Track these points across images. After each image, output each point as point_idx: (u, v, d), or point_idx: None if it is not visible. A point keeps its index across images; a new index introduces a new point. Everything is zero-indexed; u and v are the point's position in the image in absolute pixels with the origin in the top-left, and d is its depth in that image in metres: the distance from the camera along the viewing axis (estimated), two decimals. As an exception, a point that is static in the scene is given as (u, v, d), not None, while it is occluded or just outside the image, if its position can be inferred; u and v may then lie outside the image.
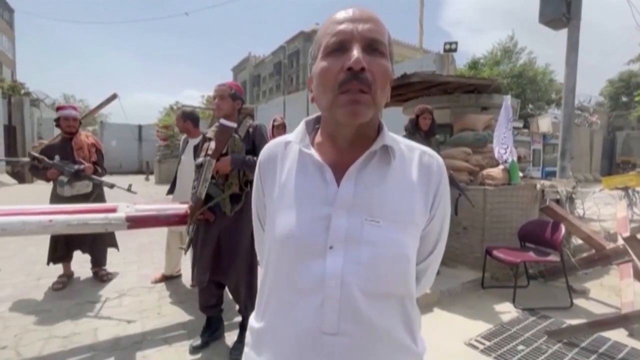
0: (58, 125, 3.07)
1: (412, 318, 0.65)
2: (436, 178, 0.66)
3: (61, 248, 3.07)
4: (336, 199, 0.60)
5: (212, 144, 2.06)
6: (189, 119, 3.19)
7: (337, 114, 0.59)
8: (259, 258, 0.80)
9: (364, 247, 0.59)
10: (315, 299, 0.59)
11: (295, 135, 0.68)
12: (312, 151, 0.64)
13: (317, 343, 0.59)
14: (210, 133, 2.16)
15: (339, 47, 0.58)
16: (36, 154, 2.88)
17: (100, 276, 3.27)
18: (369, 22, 0.59)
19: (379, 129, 0.66)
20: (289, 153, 0.68)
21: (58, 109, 3.14)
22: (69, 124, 3.03)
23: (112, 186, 3.06)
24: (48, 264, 3.08)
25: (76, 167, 2.90)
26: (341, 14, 0.61)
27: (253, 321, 0.70)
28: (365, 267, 0.58)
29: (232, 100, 2.13)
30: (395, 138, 0.67)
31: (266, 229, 0.70)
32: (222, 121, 2.06)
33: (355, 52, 0.56)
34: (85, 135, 3.19)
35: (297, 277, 0.61)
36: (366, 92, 0.57)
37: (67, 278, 3.19)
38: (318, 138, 0.69)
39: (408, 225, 0.62)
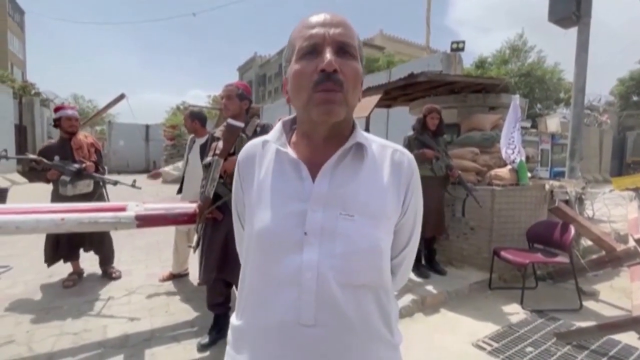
0: (57, 126, 3.02)
1: (388, 309, 0.67)
2: (407, 174, 0.69)
3: (63, 247, 3.04)
4: (312, 195, 0.63)
5: (220, 144, 2.07)
6: (197, 118, 3.21)
7: (312, 112, 0.62)
8: (240, 256, 0.82)
9: (339, 241, 0.61)
10: (293, 291, 0.61)
11: (272, 135, 0.71)
12: (288, 149, 0.67)
13: (296, 335, 0.60)
14: (218, 133, 2.18)
15: (312, 50, 0.61)
16: (34, 156, 2.84)
17: (110, 274, 3.30)
18: (339, 26, 0.62)
19: (352, 128, 0.69)
20: (267, 152, 0.71)
21: (57, 109, 3.07)
22: (72, 123, 3.01)
23: (115, 183, 3.05)
24: (46, 262, 3.04)
25: (77, 165, 2.88)
26: (313, 19, 0.64)
27: (233, 319, 0.72)
28: (339, 260, 0.61)
29: (240, 100, 2.15)
30: (368, 136, 0.70)
31: (245, 226, 0.73)
32: (230, 121, 2.07)
33: (328, 55, 0.60)
34: (84, 135, 3.17)
35: (274, 271, 0.63)
36: (339, 91, 0.60)
37: (78, 276, 3.23)
38: (294, 137, 0.71)
39: (381, 219, 0.65)
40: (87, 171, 2.94)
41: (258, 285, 0.66)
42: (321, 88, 0.60)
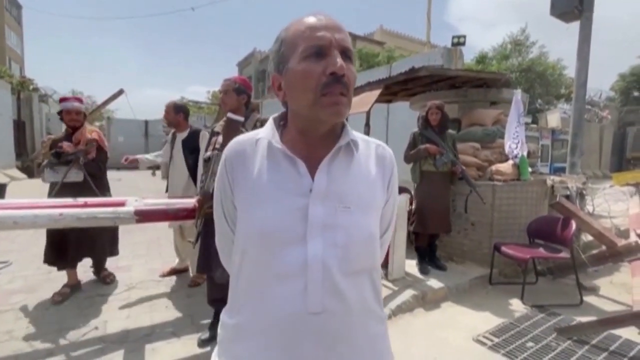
0: (62, 119, 2.84)
1: (379, 287, 0.74)
2: (389, 166, 0.77)
3: (60, 253, 2.78)
4: (312, 190, 0.66)
5: (220, 138, 2.06)
6: (181, 111, 3.07)
7: (320, 113, 0.65)
8: (220, 257, 0.82)
9: (339, 232, 0.65)
10: (298, 283, 0.63)
11: (266, 132, 0.72)
12: (284, 146, 0.69)
13: (305, 323, 0.63)
14: (218, 127, 2.16)
15: (319, 52, 0.64)
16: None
17: (103, 278, 3.09)
18: (342, 32, 0.67)
19: (343, 126, 0.73)
20: (259, 149, 0.71)
21: (61, 100, 2.86)
22: (72, 117, 2.78)
23: (84, 157, 2.71)
24: (45, 262, 2.82)
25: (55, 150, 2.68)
26: (314, 21, 0.66)
27: (226, 318, 0.73)
28: (341, 250, 0.65)
29: (237, 94, 2.13)
30: (355, 133, 0.75)
31: (238, 226, 0.71)
32: (230, 115, 2.06)
33: (338, 60, 0.63)
34: (89, 131, 2.92)
35: (278, 265, 0.64)
36: (345, 94, 0.65)
37: (70, 289, 2.85)
38: (287, 134, 0.73)
39: (372, 208, 0.72)
40: (64, 151, 2.67)
41: (259, 281, 0.67)
42: (329, 90, 0.63)
